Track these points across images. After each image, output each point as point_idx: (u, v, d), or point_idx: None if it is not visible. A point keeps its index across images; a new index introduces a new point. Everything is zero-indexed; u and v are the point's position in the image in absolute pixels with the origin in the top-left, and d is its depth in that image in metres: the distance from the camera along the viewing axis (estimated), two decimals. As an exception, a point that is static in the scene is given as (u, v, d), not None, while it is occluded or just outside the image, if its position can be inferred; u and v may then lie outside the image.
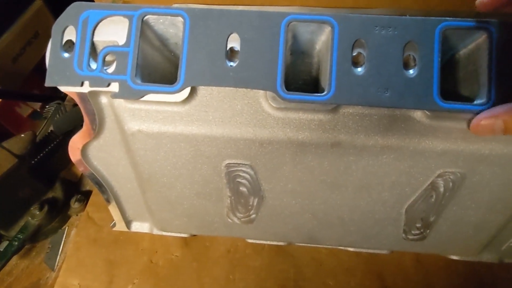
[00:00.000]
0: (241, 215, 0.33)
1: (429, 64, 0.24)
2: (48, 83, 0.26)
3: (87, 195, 0.49)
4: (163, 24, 0.27)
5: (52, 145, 0.49)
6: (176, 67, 0.25)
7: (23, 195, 0.44)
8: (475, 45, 0.25)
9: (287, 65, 0.29)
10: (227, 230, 0.36)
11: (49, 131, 0.51)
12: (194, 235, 0.44)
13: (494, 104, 0.24)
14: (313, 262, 0.44)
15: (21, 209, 0.45)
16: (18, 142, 0.42)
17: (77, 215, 0.48)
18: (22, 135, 0.42)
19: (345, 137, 0.25)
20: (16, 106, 0.67)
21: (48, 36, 0.26)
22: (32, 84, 0.69)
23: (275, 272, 0.43)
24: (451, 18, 0.24)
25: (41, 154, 0.47)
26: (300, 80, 0.31)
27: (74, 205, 0.47)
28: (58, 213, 0.46)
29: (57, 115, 0.58)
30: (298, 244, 0.40)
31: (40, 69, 0.69)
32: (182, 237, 0.44)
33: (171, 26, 0.27)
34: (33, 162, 0.46)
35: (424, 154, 0.25)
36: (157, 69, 0.28)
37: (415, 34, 0.24)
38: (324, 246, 0.40)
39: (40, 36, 0.69)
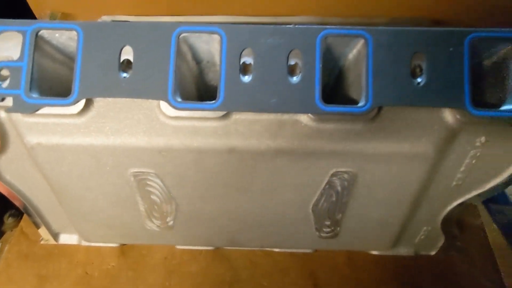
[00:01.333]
0: (159, 222, 0.33)
1: (311, 71, 0.25)
2: None
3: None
4: (61, 38, 0.27)
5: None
6: None
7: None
8: (356, 51, 0.26)
9: (195, 75, 0.30)
10: (150, 238, 0.36)
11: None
12: (132, 244, 0.44)
13: (371, 106, 0.25)
14: (249, 264, 0.45)
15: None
16: None
17: (11, 231, 0.47)
18: None
19: (239, 143, 0.26)
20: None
21: None
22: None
23: (212, 277, 0.44)
24: (332, 27, 0.26)
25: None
26: (213, 88, 0.32)
27: (8, 220, 0.46)
28: (-9, 230, 0.45)
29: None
30: (225, 247, 0.41)
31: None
32: (118, 247, 0.44)
33: (70, 40, 0.28)
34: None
35: (315, 155, 0.26)
36: (63, 82, 0.29)
37: (299, 43, 0.25)
38: (249, 248, 0.40)
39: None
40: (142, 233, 0.35)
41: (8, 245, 0.46)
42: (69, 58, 0.29)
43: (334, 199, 0.30)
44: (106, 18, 0.47)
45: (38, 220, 0.36)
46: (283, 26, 0.26)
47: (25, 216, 0.48)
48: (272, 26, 0.26)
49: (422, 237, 0.36)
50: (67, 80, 0.29)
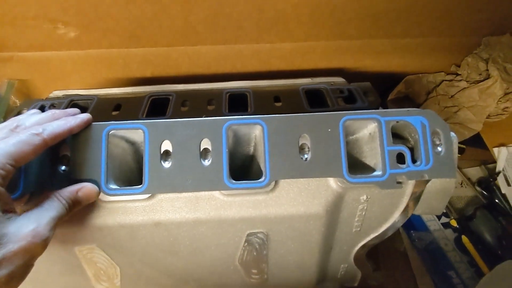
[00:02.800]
0: (107, 284, 0.37)
1: (219, 155, 0.31)
2: None
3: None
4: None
5: None
6: None
7: None
8: (257, 135, 0.32)
9: (131, 153, 0.35)
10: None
11: None
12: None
13: (269, 181, 0.31)
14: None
15: None
16: None
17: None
18: None
19: (164, 217, 0.31)
20: None
21: None
22: None
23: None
24: (235, 117, 0.32)
25: None
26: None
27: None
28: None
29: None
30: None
31: None
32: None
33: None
34: None
35: (228, 222, 0.32)
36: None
37: (208, 132, 0.31)
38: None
39: None
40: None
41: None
42: None
43: (255, 253, 0.35)
44: (57, 92, 0.52)
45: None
46: (195, 119, 0.32)
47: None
48: (186, 119, 0.31)
49: (342, 272, 0.41)
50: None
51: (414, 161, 0.32)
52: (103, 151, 0.31)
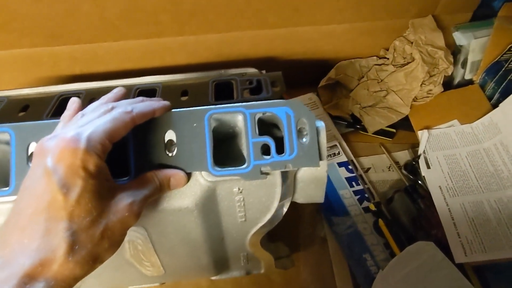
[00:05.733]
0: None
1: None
2: None
3: None
4: None
5: None
6: None
7: None
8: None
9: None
10: None
11: None
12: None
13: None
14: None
15: None
16: None
17: None
18: None
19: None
20: None
21: None
22: None
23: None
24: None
25: None
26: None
27: None
28: None
29: None
30: None
31: None
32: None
33: None
34: None
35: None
36: None
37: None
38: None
39: None
40: None
41: None
42: None
43: (140, 247, 0.36)
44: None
45: None
46: (49, 121, 0.32)
47: None
48: (43, 122, 0.32)
49: (245, 260, 0.43)
50: None
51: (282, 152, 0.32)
52: None
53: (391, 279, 0.47)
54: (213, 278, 0.45)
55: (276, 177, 0.33)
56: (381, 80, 0.63)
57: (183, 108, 0.33)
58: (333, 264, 0.51)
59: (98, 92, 0.46)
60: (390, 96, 0.61)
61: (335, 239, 0.52)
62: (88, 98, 0.45)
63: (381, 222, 0.51)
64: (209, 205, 0.34)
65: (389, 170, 0.60)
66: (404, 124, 0.62)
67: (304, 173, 0.34)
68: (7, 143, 0.34)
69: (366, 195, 0.55)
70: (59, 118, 0.33)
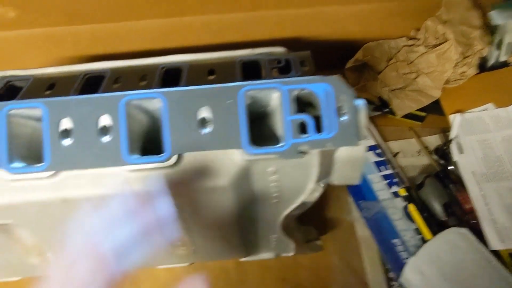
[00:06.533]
0: (40, 258, 0.39)
1: (118, 131, 0.31)
2: None
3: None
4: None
5: None
6: None
7: None
8: (157, 110, 0.32)
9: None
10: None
11: None
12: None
13: (170, 155, 0.31)
14: (149, 276, 0.50)
15: None
16: None
17: None
18: None
19: (69, 194, 0.32)
20: None
21: None
22: None
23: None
24: (132, 93, 0.31)
25: None
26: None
27: None
28: None
29: None
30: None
31: None
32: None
33: None
34: None
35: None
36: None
37: (106, 108, 0.31)
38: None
39: None
40: (28, 268, 0.41)
41: None
42: None
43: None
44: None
45: None
46: (93, 95, 0.31)
47: None
48: (83, 96, 0.31)
49: (275, 242, 0.42)
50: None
51: (320, 130, 0.31)
52: (5, 130, 0.31)
53: (422, 265, 0.45)
54: (242, 259, 0.44)
55: (313, 156, 0.32)
56: (411, 62, 0.60)
57: None
58: (362, 249, 0.50)
59: (124, 71, 0.45)
60: (421, 79, 0.59)
61: (364, 223, 0.51)
62: (114, 77, 0.44)
63: (412, 207, 0.50)
64: (243, 184, 0.33)
65: (418, 155, 0.58)
66: (435, 107, 0.60)
67: (341, 153, 0.33)
68: (37, 119, 0.33)
69: (395, 180, 0.54)
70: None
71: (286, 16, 0.59)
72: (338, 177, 0.35)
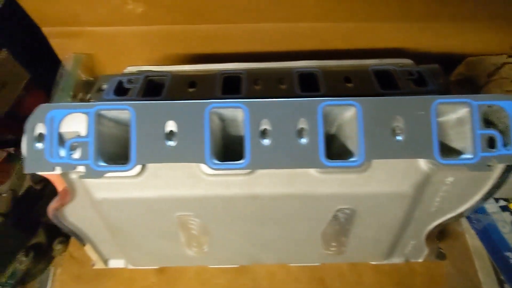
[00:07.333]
0: (196, 249, 0.41)
1: (315, 134, 0.32)
2: (27, 170, 0.33)
3: (68, 236, 0.55)
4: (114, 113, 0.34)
5: (33, 198, 0.55)
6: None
7: (9, 246, 0.50)
8: (349, 116, 0.34)
9: (220, 130, 0.37)
10: (188, 261, 0.44)
11: (29, 185, 0.56)
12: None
13: (364, 161, 0.32)
14: (268, 274, 0.53)
15: (8, 258, 0.50)
16: (1, 201, 0.48)
17: (60, 255, 0.54)
18: (4, 195, 0.49)
19: (261, 191, 0.34)
20: (-10, 154, 0.71)
21: (16, 84, 0.31)
22: (4, 129, 0.74)
23: (237, 286, 0.52)
24: (329, 98, 0.33)
25: (24, 208, 0.53)
26: (234, 138, 0.39)
27: (57, 247, 0.54)
28: (43, 256, 0.53)
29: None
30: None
31: (13, 115, 0.74)
32: (158, 268, 0.51)
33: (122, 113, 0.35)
34: (17, 217, 0.52)
35: (320, 198, 0.34)
36: (120, 141, 0.35)
37: (304, 112, 0.33)
38: (268, 263, 0.48)
39: (8, 85, 0.74)
40: (181, 258, 0.43)
41: (61, 268, 0.53)
42: (119, 124, 0.36)
43: (338, 227, 0.37)
44: (131, 68, 0.54)
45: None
46: (292, 99, 0.33)
47: (72, 241, 0.55)
48: (283, 100, 0.33)
49: (410, 248, 0.43)
50: (124, 139, 0.36)
51: (504, 145, 0.32)
52: (206, 127, 0.33)
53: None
54: (373, 262, 0.46)
55: (496, 170, 0.33)
56: (515, 79, 0.62)
57: (350, 95, 0.33)
58: (475, 259, 0.51)
59: (259, 73, 0.47)
60: (525, 96, 0.60)
61: (475, 234, 0.52)
62: (252, 78, 0.46)
63: (524, 222, 0.51)
64: (420, 193, 0.35)
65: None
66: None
67: (518, 169, 0.34)
68: (221, 118, 0.35)
69: (503, 194, 0.55)
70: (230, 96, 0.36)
71: (395, 29, 0.60)
72: (505, 191, 0.37)
